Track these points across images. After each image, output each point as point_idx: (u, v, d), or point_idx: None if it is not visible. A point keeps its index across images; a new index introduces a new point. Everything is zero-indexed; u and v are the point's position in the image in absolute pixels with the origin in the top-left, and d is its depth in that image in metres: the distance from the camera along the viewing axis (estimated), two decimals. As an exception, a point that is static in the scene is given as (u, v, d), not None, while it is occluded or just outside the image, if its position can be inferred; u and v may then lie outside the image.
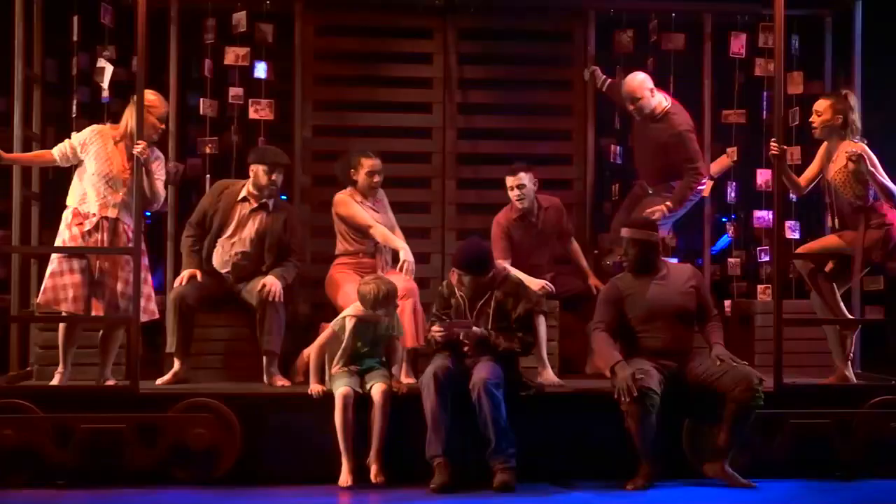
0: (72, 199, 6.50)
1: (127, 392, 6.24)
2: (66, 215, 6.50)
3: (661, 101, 7.27)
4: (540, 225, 7.25)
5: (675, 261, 7.11)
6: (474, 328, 6.15)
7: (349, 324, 6.27)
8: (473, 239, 6.53)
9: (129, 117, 6.46)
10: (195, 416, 6.14)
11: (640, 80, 7.26)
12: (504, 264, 6.92)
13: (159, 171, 6.55)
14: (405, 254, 6.83)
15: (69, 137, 6.63)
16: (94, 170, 6.45)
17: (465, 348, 6.15)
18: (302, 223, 7.12)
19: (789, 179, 6.77)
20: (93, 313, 6.42)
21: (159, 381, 6.58)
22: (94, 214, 6.43)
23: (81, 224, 6.42)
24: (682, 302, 6.26)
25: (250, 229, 6.79)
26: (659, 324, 6.22)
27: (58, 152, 6.54)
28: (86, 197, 6.46)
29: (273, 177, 6.77)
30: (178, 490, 5.99)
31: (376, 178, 7.06)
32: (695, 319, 6.34)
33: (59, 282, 6.36)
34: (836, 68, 7.93)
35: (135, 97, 6.38)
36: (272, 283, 6.60)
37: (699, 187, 7.26)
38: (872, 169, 6.41)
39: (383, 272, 6.82)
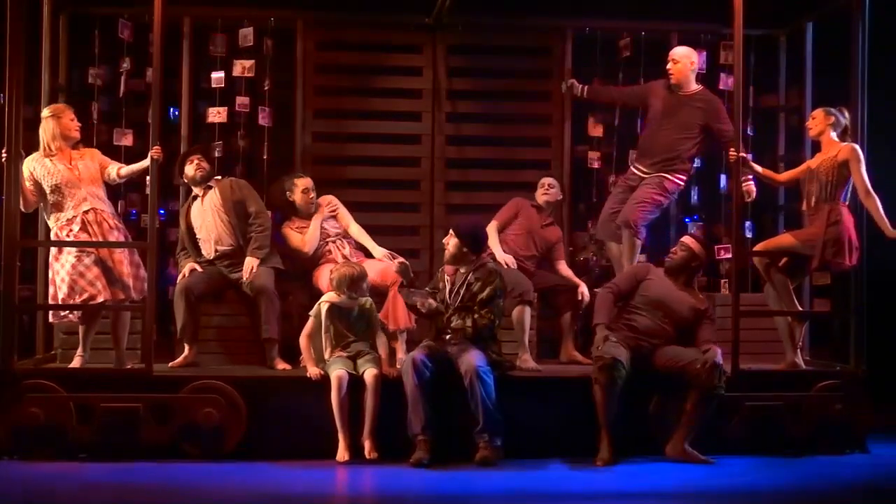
0: (51, 221, 6.59)
1: (142, 374, 6.33)
2: (55, 234, 6.57)
3: (695, 81, 7.24)
4: (544, 224, 7.44)
5: (643, 257, 7.28)
6: (430, 300, 6.30)
7: (324, 308, 6.42)
8: (480, 219, 6.82)
9: (42, 133, 6.51)
10: (204, 397, 6.23)
11: (688, 50, 7.22)
12: (491, 229, 7.17)
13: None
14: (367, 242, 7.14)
15: (81, 146, 6.72)
16: (50, 186, 6.49)
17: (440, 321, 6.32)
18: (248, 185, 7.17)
19: (762, 175, 6.86)
20: (110, 297, 6.47)
21: (171, 365, 6.68)
22: (73, 217, 6.50)
23: (70, 231, 6.50)
24: (687, 312, 6.42)
25: (210, 210, 6.95)
26: (659, 313, 6.38)
27: (30, 195, 6.51)
28: (58, 210, 6.53)
29: (195, 163, 6.95)
30: (189, 464, 6.07)
31: (311, 195, 7.16)
32: (688, 332, 6.42)
33: (82, 280, 6.42)
34: (789, 83, 8.04)
35: (45, 114, 6.52)
36: (249, 263, 6.79)
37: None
38: (864, 170, 6.52)
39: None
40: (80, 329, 6.58)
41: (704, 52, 7.79)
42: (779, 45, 8.06)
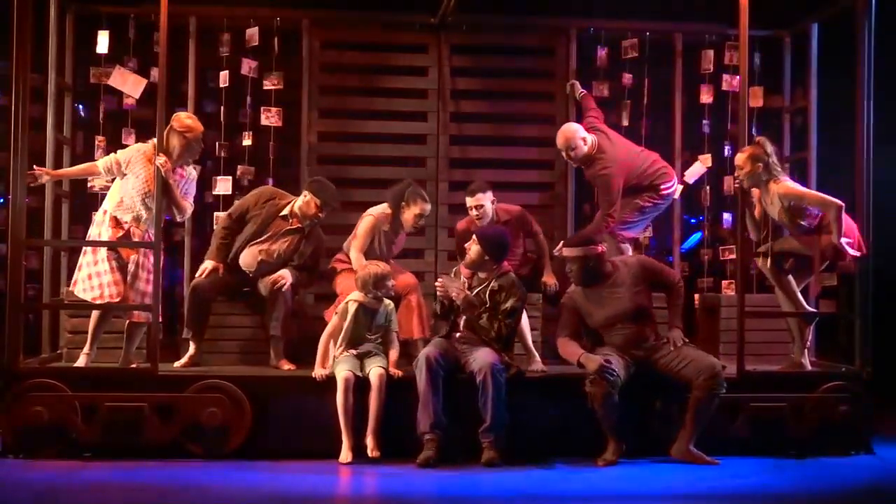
0: (109, 204, 6.45)
1: (147, 373, 6.28)
2: (101, 218, 6.45)
3: (592, 144, 7.10)
4: None
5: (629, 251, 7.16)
6: (467, 292, 6.22)
7: (352, 307, 6.36)
8: (503, 228, 6.72)
9: (166, 142, 6.35)
10: (209, 396, 6.19)
11: (572, 131, 7.10)
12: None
13: (191, 188, 6.52)
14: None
15: (103, 145, 6.68)
16: (134, 186, 6.39)
17: (457, 301, 6.19)
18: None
19: (753, 224, 6.78)
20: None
21: (177, 364, 6.61)
22: (126, 223, 6.41)
23: (117, 228, 6.39)
24: (634, 303, 6.26)
25: (282, 245, 6.76)
26: (618, 326, 6.25)
27: (103, 165, 6.50)
28: (122, 205, 6.41)
29: (322, 213, 6.77)
30: (193, 463, 6.05)
31: (420, 223, 7.05)
32: (651, 310, 6.32)
33: (98, 280, 6.34)
34: (794, 84, 8.00)
35: (175, 126, 6.38)
36: (283, 276, 6.64)
37: (608, 230, 7.02)
38: (805, 191, 6.50)
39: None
40: (91, 327, 6.49)
41: (711, 52, 7.81)
42: (784, 45, 8.03)
